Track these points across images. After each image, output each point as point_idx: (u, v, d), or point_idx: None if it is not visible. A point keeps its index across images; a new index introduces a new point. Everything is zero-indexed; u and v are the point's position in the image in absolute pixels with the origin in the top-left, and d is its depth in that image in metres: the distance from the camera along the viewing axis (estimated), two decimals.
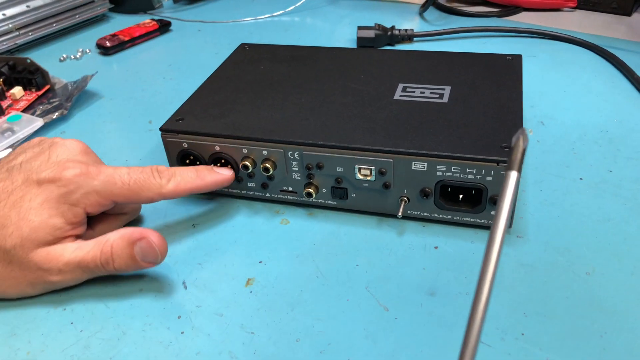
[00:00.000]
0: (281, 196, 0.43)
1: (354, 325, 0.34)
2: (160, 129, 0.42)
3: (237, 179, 0.43)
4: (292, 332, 0.33)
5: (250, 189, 0.43)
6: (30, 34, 0.73)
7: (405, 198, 0.39)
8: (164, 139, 0.43)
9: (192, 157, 0.43)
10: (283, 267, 0.38)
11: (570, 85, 0.57)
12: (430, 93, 0.44)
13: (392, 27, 0.67)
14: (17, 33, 0.72)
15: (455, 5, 0.79)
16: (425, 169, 0.38)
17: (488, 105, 0.42)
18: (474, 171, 0.37)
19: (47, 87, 0.62)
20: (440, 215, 0.40)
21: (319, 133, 0.40)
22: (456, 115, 0.41)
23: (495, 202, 0.37)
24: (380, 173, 0.38)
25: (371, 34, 0.67)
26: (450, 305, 0.34)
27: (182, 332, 0.34)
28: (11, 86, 0.61)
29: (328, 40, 0.72)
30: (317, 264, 0.38)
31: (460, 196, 0.39)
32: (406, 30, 0.67)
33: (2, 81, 0.60)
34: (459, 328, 0.33)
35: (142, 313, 0.35)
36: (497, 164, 0.36)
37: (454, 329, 0.33)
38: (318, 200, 0.42)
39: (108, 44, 0.72)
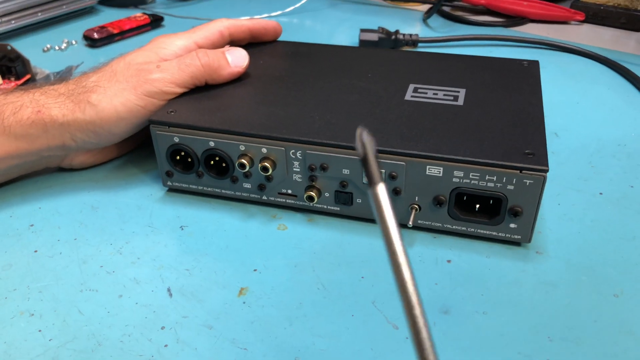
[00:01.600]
0: (279, 199, 0.39)
1: (359, 345, 0.30)
2: (149, 121, 0.39)
3: (232, 178, 0.39)
4: (290, 350, 0.30)
5: (245, 190, 0.40)
6: (12, 22, 0.69)
7: (417, 206, 0.36)
8: (153, 131, 0.39)
9: (183, 153, 0.39)
10: (280, 277, 0.34)
11: (582, 97, 0.55)
12: (444, 95, 0.41)
13: (397, 32, 0.64)
14: None
15: (460, 13, 0.77)
16: (441, 175, 0.34)
17: (507, 110, 0.39)
18: (494, 178, 0.33)
19: (28, 76, 0.57)
20: (454, 227, 0.36)
21: (324, 131, 0.37)
22: (474, 118, 0.38)
23: (515, 213, 0.34)
24: (391, 177, 0.35)
25: (374, 37, 0.64)
26: (466, 325, 0.31)
27: (166, 346, 0.30)
28: None
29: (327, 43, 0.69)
30: (317, 275, 0.34)
31: (477, 206, 0.36)
32: (411, 35, 0.64)
33: None
34: (476, 350, 0.29)
35: (121, 322, 0.31)
36: (521, 172, 0.33)
37: (470, 351, 0.29)
38: (319, 206, 0.39)
39: (96, 35, 0.68)
